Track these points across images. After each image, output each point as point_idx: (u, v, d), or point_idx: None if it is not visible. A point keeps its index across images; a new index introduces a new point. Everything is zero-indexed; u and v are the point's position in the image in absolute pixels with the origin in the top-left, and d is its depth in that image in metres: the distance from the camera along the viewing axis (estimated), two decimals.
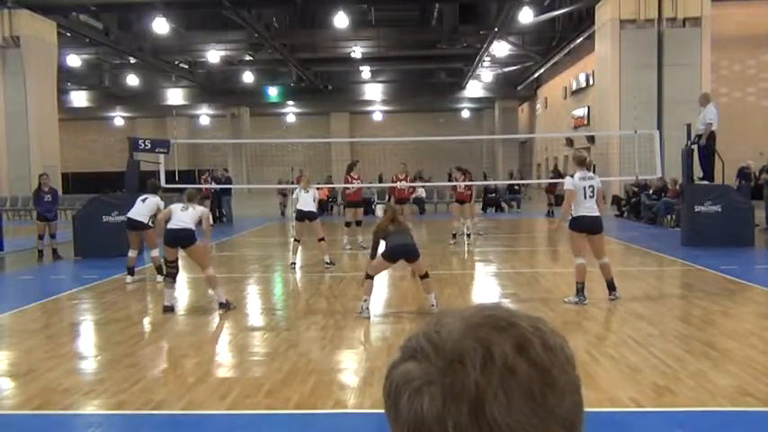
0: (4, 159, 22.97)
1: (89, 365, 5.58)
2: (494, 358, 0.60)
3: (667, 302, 7.86)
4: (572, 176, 7.64)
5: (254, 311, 8.00)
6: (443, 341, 0.62)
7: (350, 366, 5.36)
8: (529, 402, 0.59)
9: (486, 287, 9.47)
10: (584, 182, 7.45)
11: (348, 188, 13.58)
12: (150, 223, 9.72)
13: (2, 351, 6.09)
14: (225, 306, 7.45)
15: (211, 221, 16.17)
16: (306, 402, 4.43)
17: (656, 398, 4.37)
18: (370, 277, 7.08)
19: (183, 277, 10.59)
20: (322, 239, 10.75)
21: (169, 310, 7.39)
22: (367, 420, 4.12)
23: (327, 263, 10.63)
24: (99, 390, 4.78)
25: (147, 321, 7.41)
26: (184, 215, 7.49)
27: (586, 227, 7.43)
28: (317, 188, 13.09)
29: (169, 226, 7.50)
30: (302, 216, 10.87)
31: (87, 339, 6.74)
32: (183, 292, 8.73)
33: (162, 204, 9.95)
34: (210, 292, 7.97)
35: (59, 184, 24.33)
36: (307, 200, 10.92)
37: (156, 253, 9.62)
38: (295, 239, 11.02)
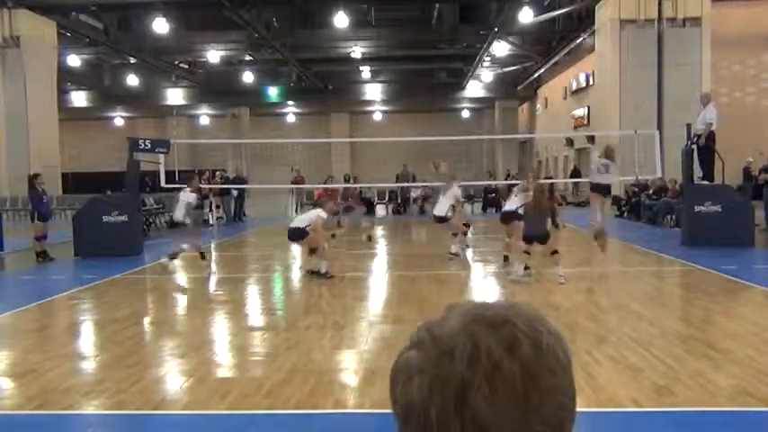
0: (4, 159, 22.93)
1: (89, 365, 5.58)
2: (480, 354, 0.62)
3: (667, 302, 7.86)
4: None
5: (254, 311, 8.01)
6: (441, 333, 0.65)
7: (350, 366, 5.35)
8: (511, 399, 0.61)
9: (485, 287, 9.46)
10: None
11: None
12: None
13: (2, 351, 6.08)
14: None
15: (212, 221, 16.05)
16: (306, 402, 4.42)
17: (656, 398, 4.37)
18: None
19: (182, 277, 10.61)
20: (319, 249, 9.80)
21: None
22: (367, 420, 4.11)
23: (320, 272, 9.54)
24: (99, 390, 4.77)
25: (147, 321, 7.41)
26: None
27: None
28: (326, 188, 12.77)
29: None
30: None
31: (87, 339, 6.74)
32: (182, 291, 8.72)
33: None
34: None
35: (59, 184, 24.34)
36: (301, 217, 10.01)
37: None
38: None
